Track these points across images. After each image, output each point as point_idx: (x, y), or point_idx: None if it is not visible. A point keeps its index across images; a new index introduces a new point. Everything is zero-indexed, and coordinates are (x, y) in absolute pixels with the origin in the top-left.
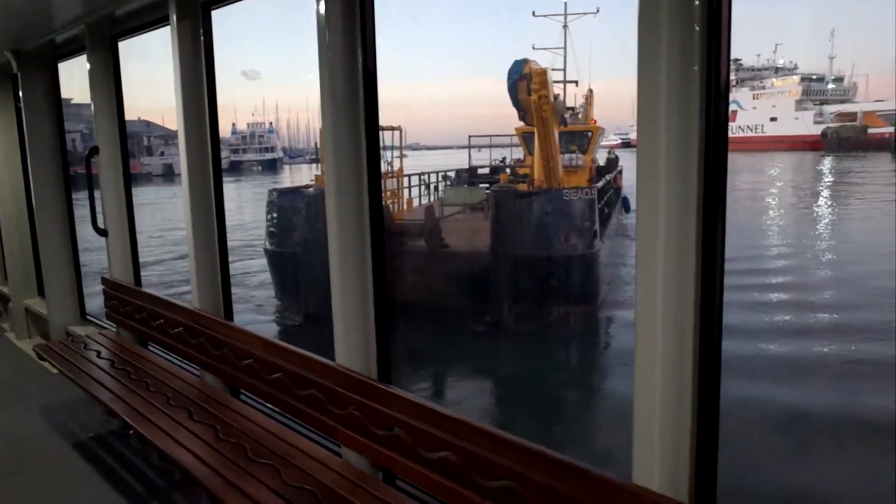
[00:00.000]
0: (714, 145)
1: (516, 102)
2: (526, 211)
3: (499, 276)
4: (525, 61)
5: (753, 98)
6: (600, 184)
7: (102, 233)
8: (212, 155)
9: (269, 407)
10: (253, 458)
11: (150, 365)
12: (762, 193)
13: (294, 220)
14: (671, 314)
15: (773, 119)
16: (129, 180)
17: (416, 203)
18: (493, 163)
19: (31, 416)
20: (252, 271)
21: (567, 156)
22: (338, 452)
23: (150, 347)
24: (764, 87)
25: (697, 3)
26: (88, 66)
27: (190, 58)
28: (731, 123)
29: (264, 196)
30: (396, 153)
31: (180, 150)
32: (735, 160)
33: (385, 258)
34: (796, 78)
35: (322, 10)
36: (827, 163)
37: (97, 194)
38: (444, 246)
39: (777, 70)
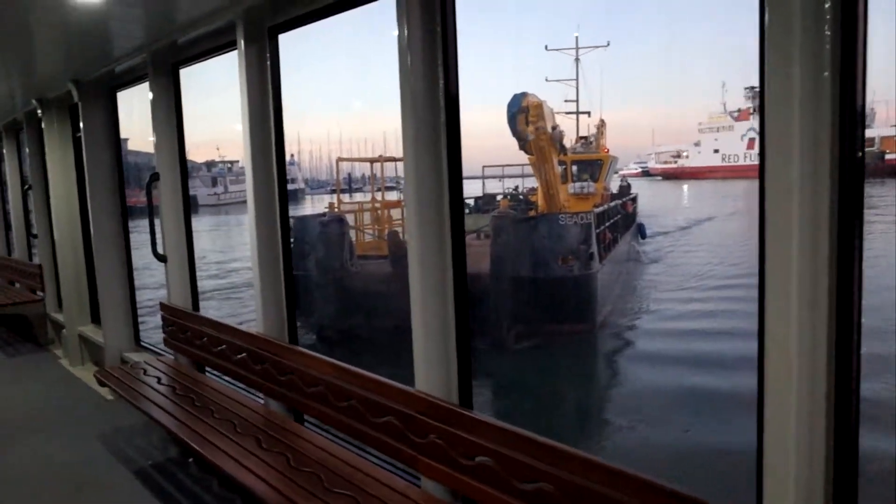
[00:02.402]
0: (849, 158)
1: (516, 133)
2: (523, 235)
3: (498, 296)
4: (524, 94)
5: None
6: (599, 209)
7: (162, 258)
8: (277, 181)
9: (339, 435)
10: (328, 486)
11: (212, 391)
12: None
13: (309, 245)
14: (805, 339)
15: None
16: (189, 207)
17: None
18: (506, 191)
19: (89, 442)
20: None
21: (578, 183)
22: (416, 483)
23: (207, 373)
24: None
25: (828, 4)
26: (150, 94)
27: (257, 83)
28: (749, 151)
29: None
30: None
31: (247, 176)
32: (751, 186)
33: (466, 281)
34: None
35: (405, 33)
36: None
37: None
38: None
39: None
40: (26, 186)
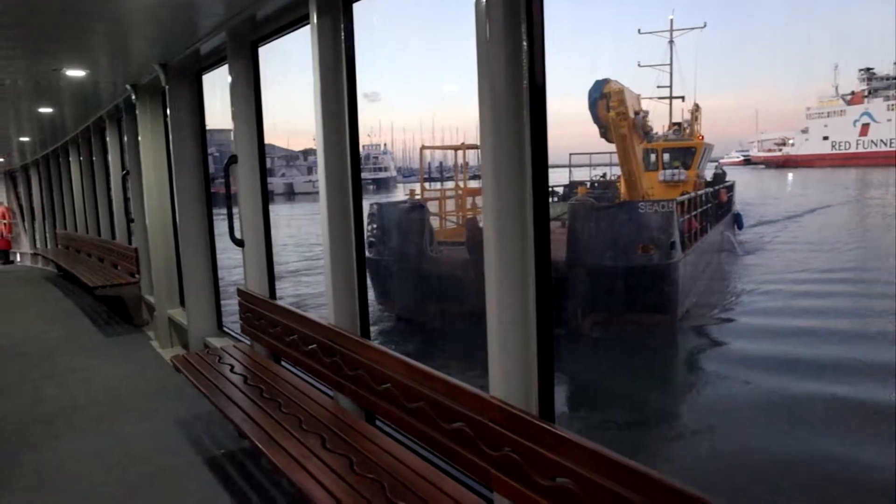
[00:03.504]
0: None
1: (597, 120)
2: (600, 222)
3: (574, 284)
4: (605, 81)
5: (888, 109)
6: (683, 197)
7: (239, 243)
8: (351, 166)
9: (410, 438)
10: (391, 497)
11: (282, 383)
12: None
13: (390, 231)
14: None
15: None
16: (266, 192)
17: None
18: (593, 178)
19: (167, 427)
20: None
21: (669, 171)
22: (489, 498)
23: (282, 363)
24: None
25: None
26: (230, 74)
27: (330, 56)
28: (862, 138)
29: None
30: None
31: (318, 161)
32: (869, 175)
33: (550, 278)
34: None
35: (483, 5)
36: None
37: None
38: None
39: None
40: (124, 172)
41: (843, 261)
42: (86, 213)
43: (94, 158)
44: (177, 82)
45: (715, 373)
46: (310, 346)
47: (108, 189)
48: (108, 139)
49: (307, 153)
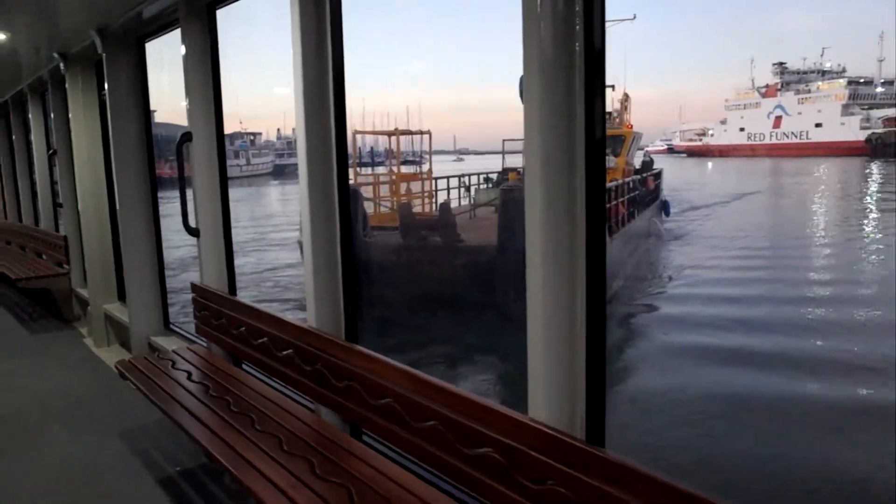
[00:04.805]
0: None
1: None
2: None
3: (505, 268)
4: None
5: (799, 103)
6: (611, 184)
7: (194, 232)
8: (336, 146)
9: (413, 461)
10: None
11: (251, 393)
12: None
13: None
14: None
15: (818, 125)
16: (226, 174)
17: (455, 204)
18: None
19: (110, 440)
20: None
21: None
22: None
23: (244, 366)
24: (809, 92)
25: None
26: (182, 41)
27: (313, 25)
28: (774, 130)
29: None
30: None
31: (298, 141)
32: (781, 165)
33: (604, 284)
34: (843, 81)
35: None
36: (874, 168)
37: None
38: (459, 241)
39: (823, 74)
40: (51, 151)
41: (758, 247)
42: (4, 196)
43: (13, 137)
44: (116, 50)
45: (630, 354)
46: (284, 352)
47: (31, 171)
48: (30, 115)
49: (234, 137)
